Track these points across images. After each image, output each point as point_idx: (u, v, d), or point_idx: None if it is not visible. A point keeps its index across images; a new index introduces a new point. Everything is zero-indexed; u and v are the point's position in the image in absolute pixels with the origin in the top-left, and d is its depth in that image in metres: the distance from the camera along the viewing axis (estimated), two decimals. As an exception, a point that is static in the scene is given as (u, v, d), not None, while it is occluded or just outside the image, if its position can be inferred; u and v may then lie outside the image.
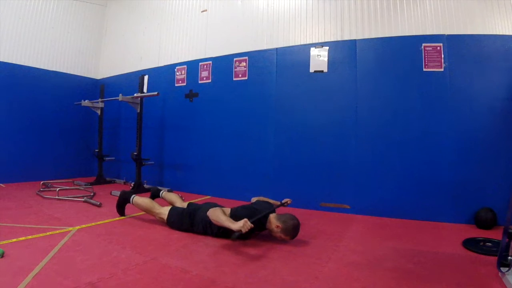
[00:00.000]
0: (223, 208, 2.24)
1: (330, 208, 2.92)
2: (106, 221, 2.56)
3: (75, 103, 4.67)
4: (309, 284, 1.51)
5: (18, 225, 2.30)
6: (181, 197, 2.82)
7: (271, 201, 2.63)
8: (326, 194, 3.17)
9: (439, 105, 2.84)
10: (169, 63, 4.48)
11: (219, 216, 2.01)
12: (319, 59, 3.32)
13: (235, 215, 2.11)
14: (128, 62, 5.05)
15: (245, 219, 1.88)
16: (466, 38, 2.81)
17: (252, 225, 1.88)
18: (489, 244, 2.10)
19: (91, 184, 4.31)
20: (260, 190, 3.43)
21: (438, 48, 2.85)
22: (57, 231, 2.20)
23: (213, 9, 4.17)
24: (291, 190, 3.24)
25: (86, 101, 4.61)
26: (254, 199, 2.58)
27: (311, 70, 3.35)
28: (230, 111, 3.82)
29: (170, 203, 2.69)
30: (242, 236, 2.12)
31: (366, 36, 3.16)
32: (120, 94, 3.81)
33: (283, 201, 2.60)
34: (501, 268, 1.55)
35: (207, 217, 2.22)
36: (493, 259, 1.68)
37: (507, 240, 1.54)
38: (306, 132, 3.34)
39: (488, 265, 1.73)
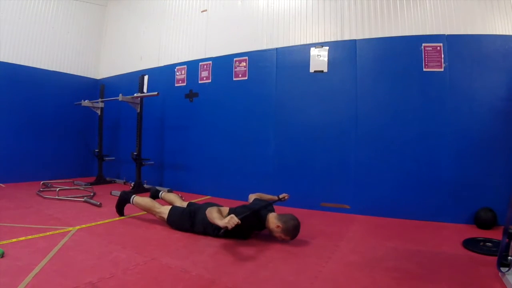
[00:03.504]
0: (221, 208, 2.24)
1: (330, 208, 2.91)
2: (106, 221, 2.56)
3: (75, 103, 4.67)
4: (309, 284, 1.51)
5: (18, 225, 2.30)
6: (181, 197, 2.83)
7: (269, 196, 2.63)
8: (326, 194, 3.17)
9: (439, 105, 2.84)
10: (169, 63, 4.48)
11: (211, 213, 2.02)
12: (319, 59, 3.32)
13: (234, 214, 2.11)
14: (128, 62, 5.04)
15: (231, 215, 1.88)
16: (466, 38, 2.81)
17: (239, 221, 1.85)
18: (489, 244, 2.10)
19: (91, 184, 4.31)
20: (260, 190, 3.40)
21: (438, 48, 2.85)
22: (57, 231, 2.20)
23: (213, 9, 4.17)
24: (291, 190, 3.23)
25: (86, 101, 4.61)
26: (252, 196, 2.58)
27: (311, 70, 3.35)
28: (230, 111, 3.82)
29: (170, 203, 2.69)
30: (241, 236, 2.13)
31: (366, 36, 3.15)
32: (120, 94, 3.81)
33: (280, 196, 2.61)
34: (501, 268, 1.55)
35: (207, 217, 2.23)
36: (493, 259, 1.68)
37: (507, 240, 1.54)
38: (306, 132, 3.34)
39: (488, 265, 1.73)
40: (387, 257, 1.89)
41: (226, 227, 1.85)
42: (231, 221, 1.84)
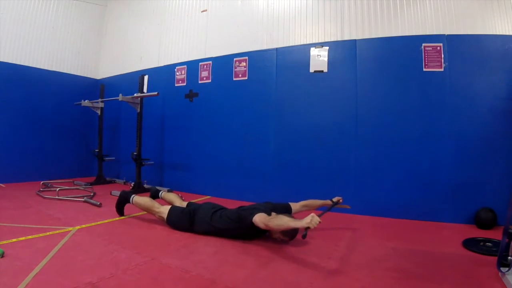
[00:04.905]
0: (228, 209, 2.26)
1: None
2: (106, 221, 2.56)
3: (75, 103, 4.67)
4: (309, 284, 1.51)
5: (18, 225, 2.30)
6: (181, 196, 2.82)
7: (321, 201, 2.56)
8: (326, 194, 3.15)
9: (439, 105, 2.83)
10: (169, 63, 4.48)
11: (280, 218, 1.90)
12: (319, 59, 3.32)
13: (243, 215, 2.10)
14: (128, 62, 5.05)
15: (312, 214, 1.79)
16: (466, 38, 2.81)
17: (320, 220, 1.80)
18: (489, 244, 2.10)
19: (91, 184, 4.31)
20: (260, 190, 3.44)
21: (438, 48, 2.85)
22: (57, 231, 2.20)
23: (213, 9, 4.17)
24: (291, 190, 3.25)
25: (86, 101, 4.61)
26: (304, 202, 2.49)
27: (311, 70, 3.35)
28: (230, 111, 3.82)
29: (170, 203, 2.69)
30: (246, 237, 2.13)
31: (366, 36, 3.15)
32: (120, 94, 3.81)
33: (334, 200, 2.53)
34: (501, 268, 1.55)
35: (207, 217, 2.23)
36: (493, 259, 1.68)
37: (507, 240, 1.54)
38: (306, 132, 3.34)
39: (488, 265, 1.73)
40: (387, 257, 1.89)
41: (308, 227, 1.76)
42: (314, 219, 1.75)
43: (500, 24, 2.76)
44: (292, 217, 2.01)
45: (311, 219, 1.75)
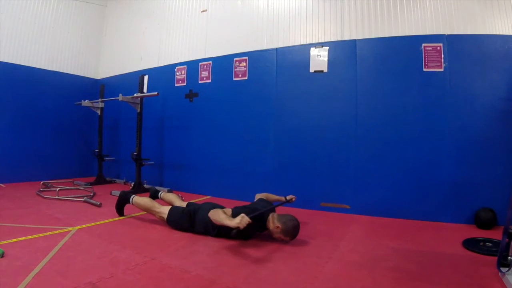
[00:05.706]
0: (224, 209, 2.23)
1: (330, 208, 2.92)
2: (106, 221, 2.56)
3: (75, 103, 4.67)
4: (309, 284, 1.51)
5: (18, 225, 2.30)
6: (180, 197, 2.83)
7: (276, 196, 2.63)
8: (326, 194, 3.17)
9: (439, 105, 2.83)
10: (169, 63, 4.48)
11: (218, 214, 2.00)
12: (319, 59, 3.32)
13: (236, 215, 2.10)
14: (128, 62, 5.05)
15: (242, 214, 1.87)
16: (466, 38, 2.81)
17: (250, 221, 1.86)
18: (489, 244, 2.10)
19: (91, 184, 4.31)
20: (260, 190, 3.40)
21: (438, 48, 2.85)
22: (57, 231, 2.20)
23: (213, 9, 4.17)
24: (291, 190, 3.22)
25: (86, 101, 4.61)
26: (258, 196, 2.56)
27: (311, 70, 3.35)
28: (230, 111, 3.82)
29: (169, 203, 2.69)
30: (243, 236, 2.13)
31: (366, 36, 3.15)
32: (120, 94, 3.81)
33: (287, 198, 2.61)
34: (501, 268, 1.55)
35: (208, 217, 2.23)
36: (493, 259, 1.68)
37: (507, 240, 1.54)
38: (306, 132, 3.34)
39: (488, 265, 1.73)
40: (387, 257, 1.89)
41: (238, 227, 1.83)
42: (243, 220, 1.83)
43: (500, 24, 2.76)
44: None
45: (240, 220, 1.83)
